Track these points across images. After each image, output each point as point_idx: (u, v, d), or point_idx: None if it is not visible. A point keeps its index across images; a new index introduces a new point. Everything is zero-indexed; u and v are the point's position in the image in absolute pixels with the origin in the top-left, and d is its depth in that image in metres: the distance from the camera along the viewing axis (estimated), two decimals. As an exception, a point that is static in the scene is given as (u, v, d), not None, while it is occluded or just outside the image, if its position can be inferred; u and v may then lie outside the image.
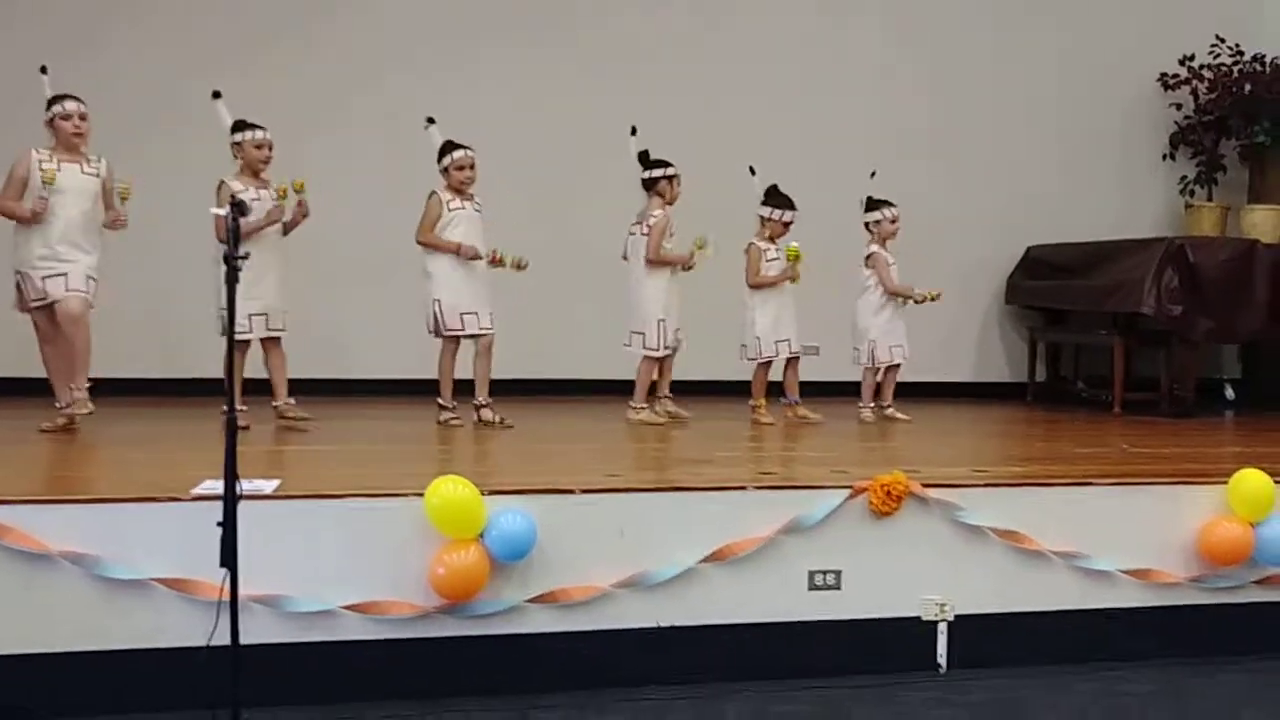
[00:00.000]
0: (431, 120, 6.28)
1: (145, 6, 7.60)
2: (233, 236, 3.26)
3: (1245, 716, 4.07)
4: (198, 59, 7.28)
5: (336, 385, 7.37)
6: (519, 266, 6.24)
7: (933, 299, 6.90)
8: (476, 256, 6.16)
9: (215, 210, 3.27)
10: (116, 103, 6.63)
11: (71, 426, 5.58)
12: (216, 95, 5.97)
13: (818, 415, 6.74)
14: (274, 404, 6.10)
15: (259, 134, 5.97)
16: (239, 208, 3.30)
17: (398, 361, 7.33)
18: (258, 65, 7.42)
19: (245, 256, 3.29)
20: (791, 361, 6.81)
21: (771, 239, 6.74)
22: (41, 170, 5.44)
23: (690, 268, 6.57)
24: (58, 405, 5.66)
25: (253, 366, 6.10)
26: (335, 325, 7.48)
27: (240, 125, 5.97)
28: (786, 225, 6.74)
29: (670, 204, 6.56)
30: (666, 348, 6.55)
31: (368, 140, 7.62)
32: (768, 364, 6.79)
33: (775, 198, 6.74)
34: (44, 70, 5.65)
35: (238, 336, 5.66)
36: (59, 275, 5.48)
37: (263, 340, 6.03)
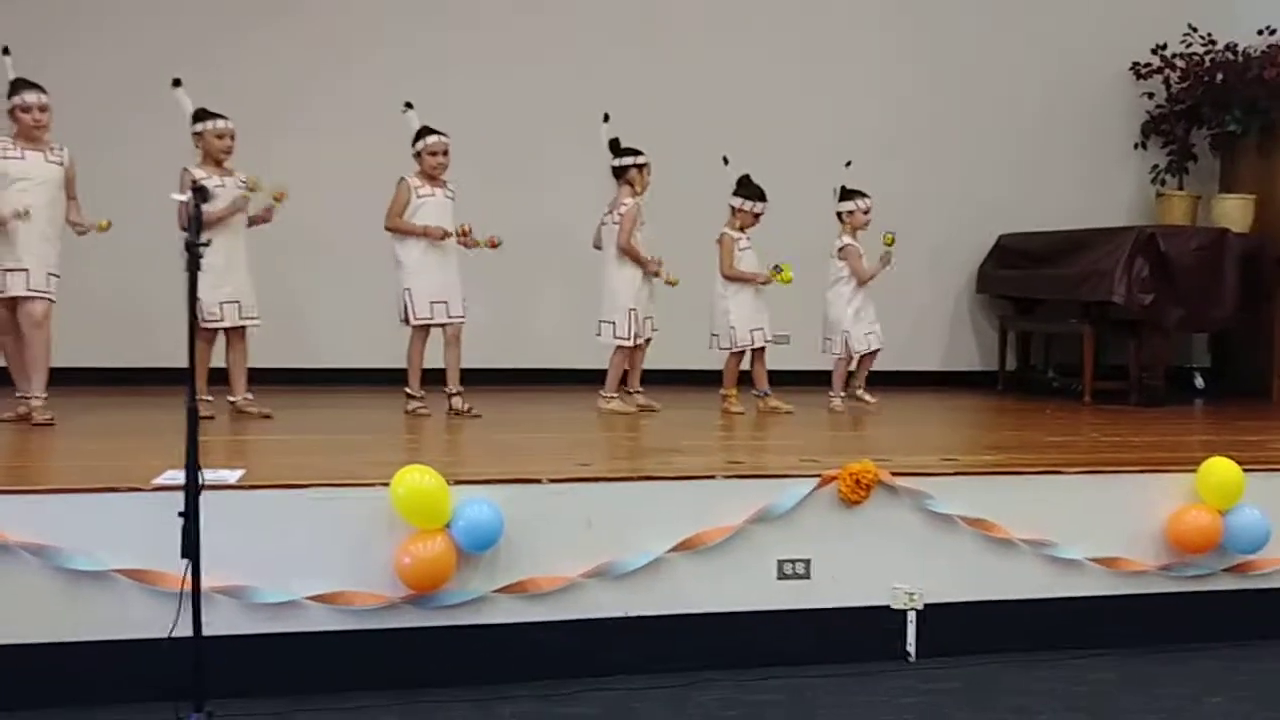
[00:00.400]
0: (409, 105, 6.21)
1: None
2: (194, 223, 3.21)
3: (1214, 704, 4.08)
4: (164, 47, 7.19)
5: (302, 374, 7.33)
6: (492, 245, 6.19)
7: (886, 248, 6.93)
8: (445, 235, 6.12)
9: (176, 196, 3.20)
10: (84, 90, 6.60)
11: (29, 417, 5.50)
12: (177, 83, 5.91)
13: (788, 406, 6.72)
14: (231, 399, 6.04)
15: (220, 123, 5.90)
16: (200, 193, 3.24)
17: (366, 350, 7.29)
18: (223, 53, 7.39)
19: (207, 244, 3.24)
20: (759, 352, 6.78)
21: (742, 228, 6.70)
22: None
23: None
24: (17, 395, 5.58)
25: (218, 356, 6.05)
26: (301, 313, 7.44)
27: (201, 114, 5.90)
28: (756, 216, 6.71)
29: (640, 193, 6.54)
30: (637, 337, 6.52)
31: (334, 126, 7.57)
32: (740, 354, 6.77)
33: (746, 188, 6.71)
34: (5, 51, 5.56)
35: (208, 324, 5.77)
36: (20, 270, 5.40)
37: (228, 331, 5.97)
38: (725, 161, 6.76)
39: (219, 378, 6.01)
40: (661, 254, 6.56)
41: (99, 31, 7.46)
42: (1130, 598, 4.66)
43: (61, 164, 5.55)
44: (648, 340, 6.64)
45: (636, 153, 6.53)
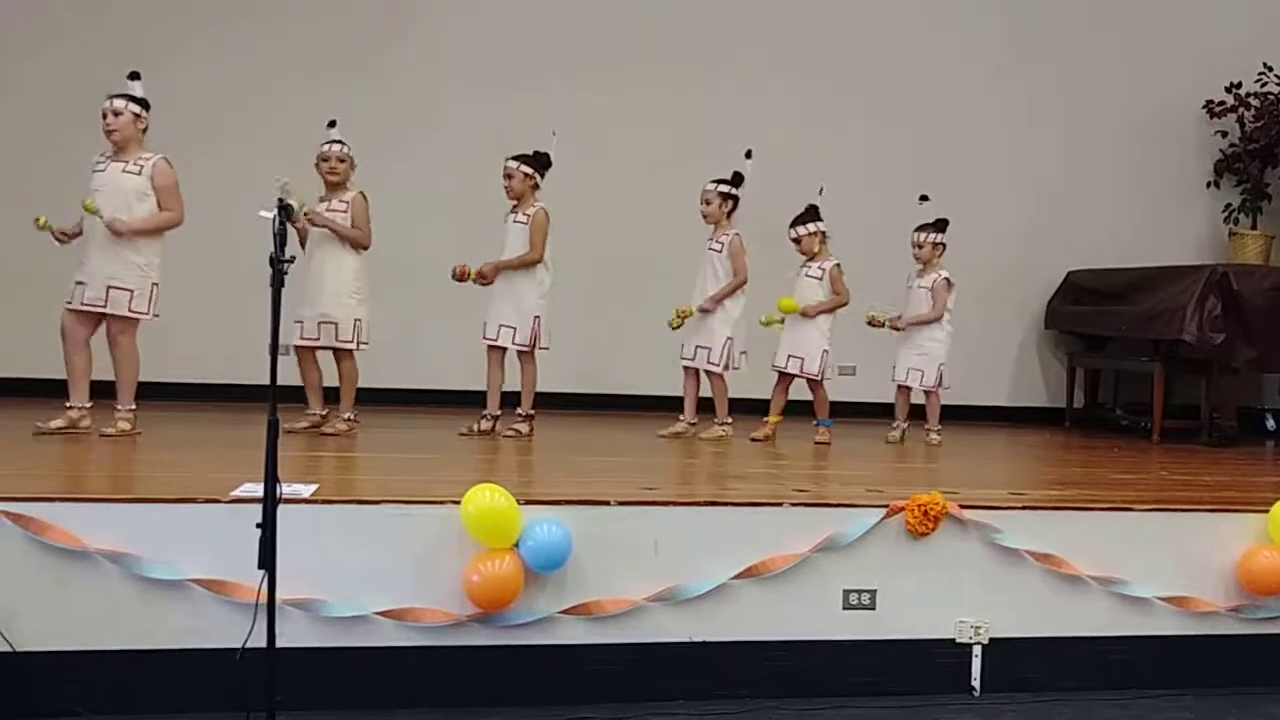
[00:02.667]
0: (333, 123, 6.18)
1: (222, 18, 7.74)
2: (278, 240, 3.29)
3: (1284, 749, 4.02)
4: (271, 74, 7.43)
5: (386, 394, 7.40)
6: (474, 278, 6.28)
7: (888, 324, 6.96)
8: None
9: (264, 213, 3.28)
10: (185, 109, 6.77)
11: (70, 430, 5.54)
12: (332, 124, 6.14)
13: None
14: (319, 412, 6.16)
15: (324, 147, 6.06)
16: (286, 211, 3.32)
17: (444, 372, 7.37)
18: (327, 78, 7.59)
19: (291, 260, 3.31)
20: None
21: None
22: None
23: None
24: (66, 405, 5.60)
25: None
26: (387, 335, 7.51)
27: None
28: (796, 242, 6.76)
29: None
30: (733, 367, 6.60)
31: (427, 156, 7.73)
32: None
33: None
34: (135, 76, 5.63)
35: (302, 342, 5.89)
36: (79, 284, 5.47)
37: (335, 350, 6.11)
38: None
39: (300, 396, 6.11)
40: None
41: (196, 54, 7.65)
42: (1200, 638, 4.59)
43: (139, 173, 5.52)
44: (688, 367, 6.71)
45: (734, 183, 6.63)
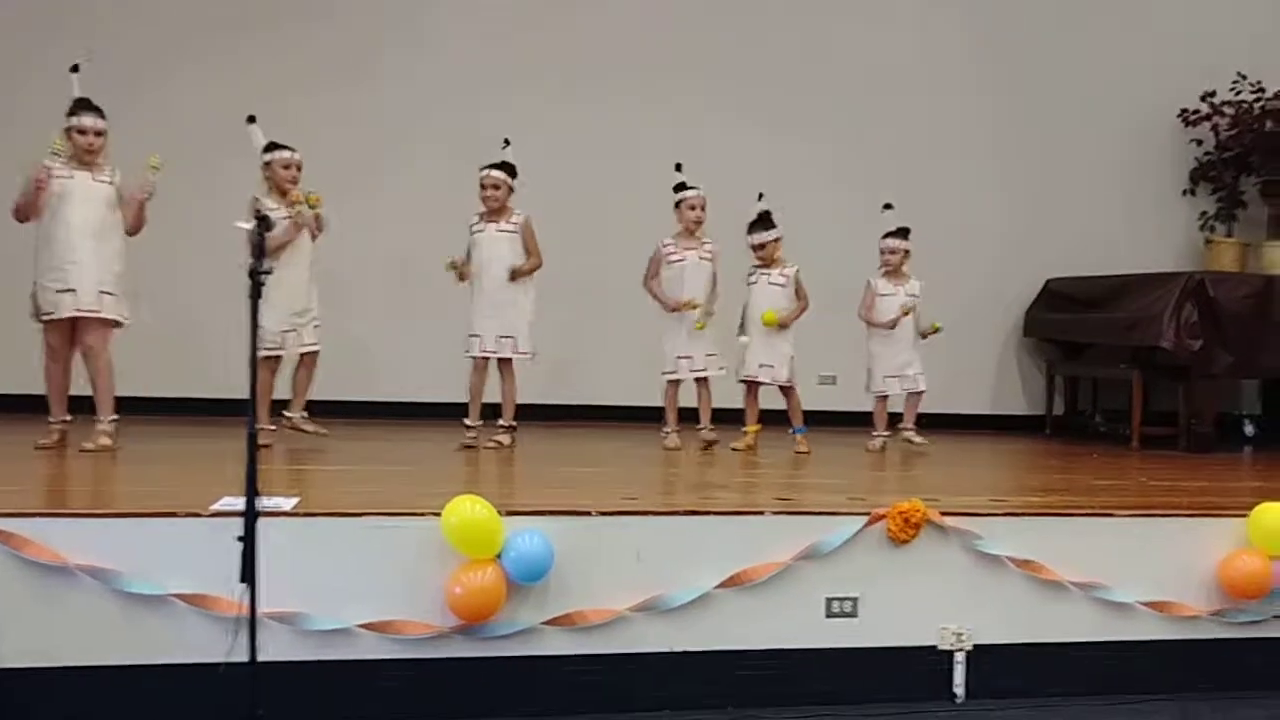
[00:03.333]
0: (252, 119, 6.13)
1: (200, 45, 7.69)
2: (257, 250, 3.29)
3: (1265, 751, 4.04)
4: (250, 86, 7.38)
5: (363, 407, 7.39)
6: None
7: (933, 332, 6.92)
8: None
9: (240, 224, 3.28)
10: (168, 123, 6.80)
11: (63, 443, 5.60)
12: (251, 120, 6.06)
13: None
14: (287, 414, 6.17)
15: (286, 154, 6.04)
16: (264, 222, 3.32)
17: (428, 384, 7.37)
18: (320, 93, 7.58)
19: (269, 271, 3.31)
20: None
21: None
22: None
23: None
24: (49, 421, 5.64)
25: (282, 386, 6.19)
26: (361, 346, 7.50)
27: (270, 146, 6.05)
28: (756, 248, 6.71)
29: (686, 230, 6.63)
30: (691, 372, 6.59)
31: (400, 164, 7.71)
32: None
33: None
34: (75, 69, 5.59)
35: (268, 351, 5.87)
36: (68, 291, 5.46)
37: (301, 354, 6.12)
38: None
39: (278, 408, 6.11)
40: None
41: (199, 66, 7.63)
42: (1181, 642, 4.63)
43: (111, 183, 5.56)
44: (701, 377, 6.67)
45: (679, 189, 6.61)
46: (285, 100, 7.06)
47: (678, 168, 6.67)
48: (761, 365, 6.67)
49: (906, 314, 6.85)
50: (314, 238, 6.15)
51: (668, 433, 6.67)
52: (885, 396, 7.04)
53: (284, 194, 6.06)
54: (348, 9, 7.96)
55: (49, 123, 5.61)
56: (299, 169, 6.08)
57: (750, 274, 6.73)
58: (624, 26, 8.26)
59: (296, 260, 6.04)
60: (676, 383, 6.68)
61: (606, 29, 8.23)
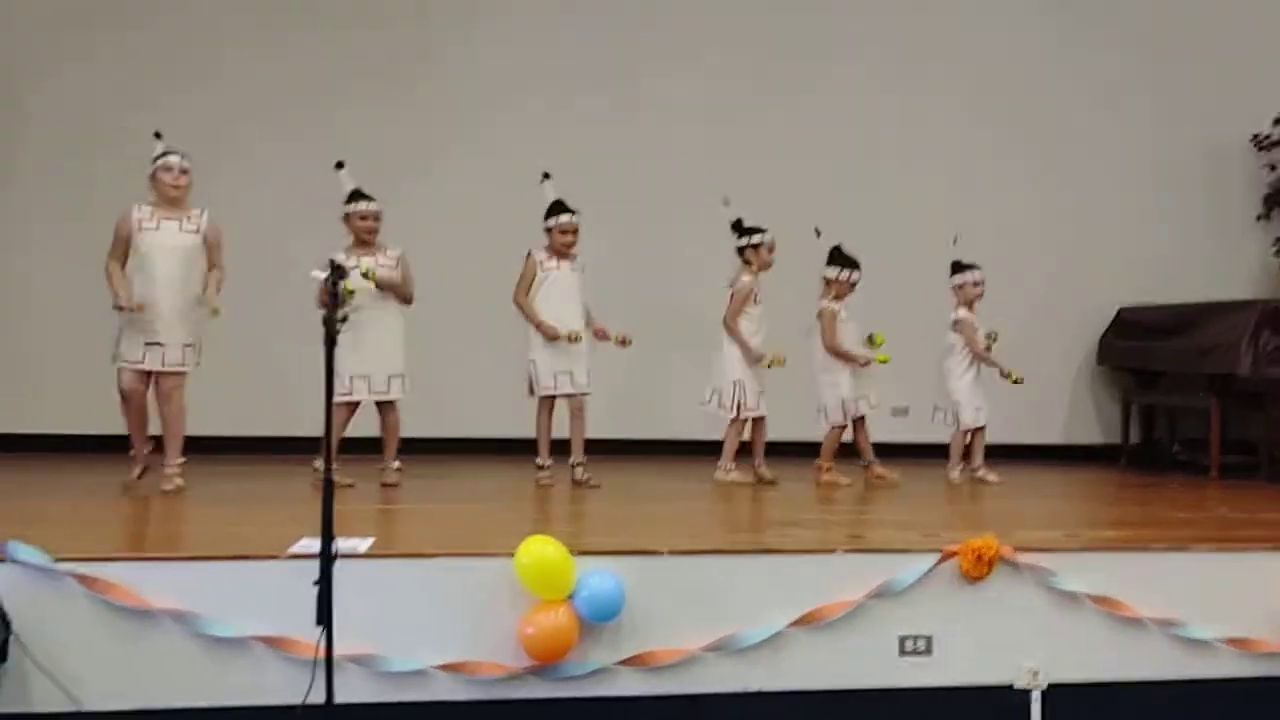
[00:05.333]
0: (340, 165, 6.25)
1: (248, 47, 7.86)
2: (332, 300, 3.35)
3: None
4: (303, 111, 7.63)
5: (437, 444, 7.43)
6: (622, 343, 6.37)
7: (1015, 381, 6.83)
8: (558, 336, 6.22)
9: (315, 274, 3.35)
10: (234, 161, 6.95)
11: (146, 472, 5.75)
12: (339, 166, 6.21)
13: (894, 474, 6.77)
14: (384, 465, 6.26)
15: (362, 205, 6.12)
16: (338, 271, 3.39)
17: (497, 420, 7.41)
18: (355, 120, 7.66)
19: (344, 320, 3.37)
20: (860, 421, 6.85)
21: (838, 298, 6.74)
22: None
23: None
24: (131, 454, 5.77)
25: (359, 426, 6.26)
26: (434, 384, 7.56)
27: (352, 196, 6.15)
28: (852, 286, 6.76)
29: (758, 271, 6.63)
30: (740, 409, 6.56)
31: (469, 200, 7.79)
32: (843, 428, 6.79)
33: (840, 258, 6.76)
34: (158, 135, 5.71)
35: (341, 398, 5.93)
36: (157, 345, 5.53)
37: (379, 403, 6.18)
38: (818, 234, 6.74)
39: (353, 447, 6.17)
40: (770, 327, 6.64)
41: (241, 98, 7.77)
42: (1264, 680, 4.51)
43: (197, 231, 5.61)
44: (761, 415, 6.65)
45: (753, 232, 6.61)
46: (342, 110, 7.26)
47: (725, 203, 6.65)
48: (859, 398, 6.70)
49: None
50: (406, 301, 6.20)
51: (728, 469, 6.67)
52: (965, 431, 7.00)
53: (364, 244, 6.14)
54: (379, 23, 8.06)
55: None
56: (377, 220, 6.16)
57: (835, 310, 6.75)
58: (678, 46, 8.30)
59: (377, 316, 6.08)
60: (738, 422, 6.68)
61: (660, 49, 8.28)
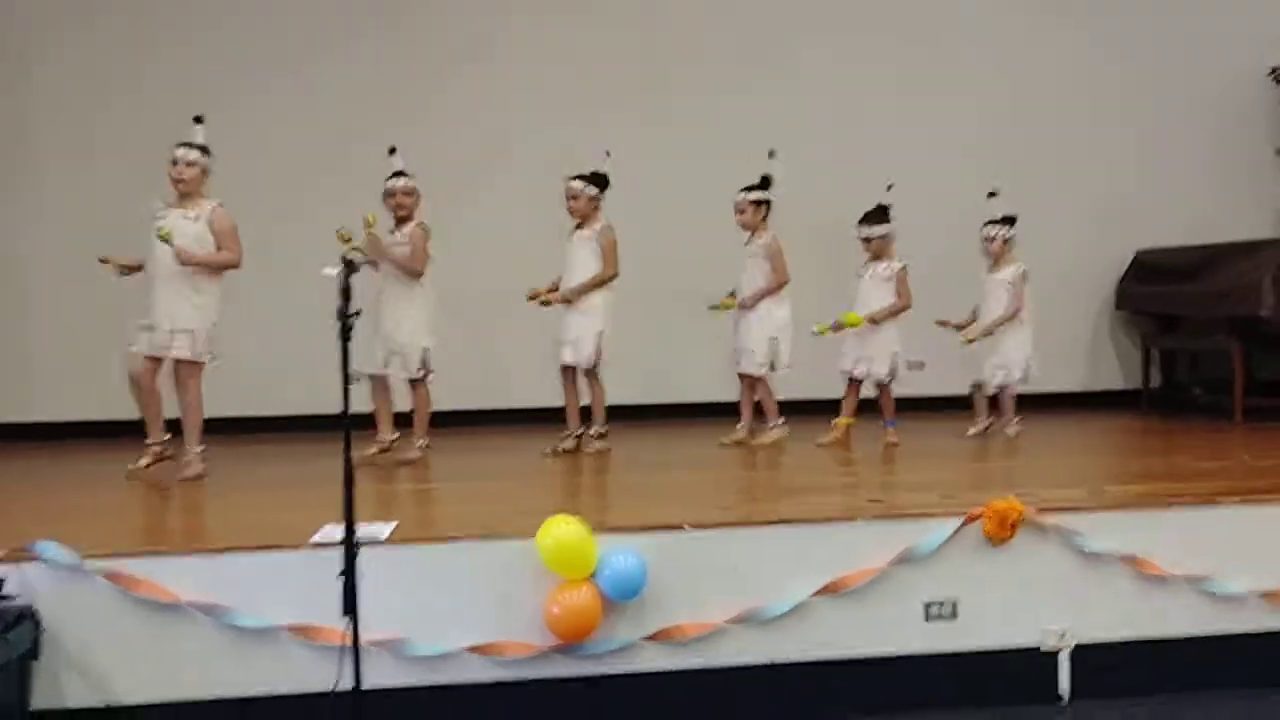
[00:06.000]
0: (393, 150, 6.29)
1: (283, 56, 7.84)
2: (344, 295, 3.33)
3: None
4: (346, 108, 7.64)
5: (456, 416, 7.45)
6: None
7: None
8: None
9: (328, 271, 3.32)
10: (250, 143, 6.96)
11: (159, 461, 5.72)
12: (393, 151, 6.26)
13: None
14: (390, 438, 6.28)
15: (388, 183, 6.20)
16: (350, 266, 3.36)
17: (518, 389, 7.53)
18: (392, 115, 7.59)
19: (358, 314, 3.35)
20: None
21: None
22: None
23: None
24: (147, 442, 5.74)
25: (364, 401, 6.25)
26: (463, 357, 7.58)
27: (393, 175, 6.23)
28: (865, 241, 6.75)
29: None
30: (783, 367, 6.61)
31: (497, 186, 7.81)
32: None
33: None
34: (199, 120, 5.68)
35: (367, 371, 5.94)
36: (146, 328, 5.54)
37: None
38: (889, 188, 6.76)
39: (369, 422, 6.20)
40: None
41: (275, 94, 7.77)
42: (1295, 632, 4.51)
43: (196, 220, 5.58)
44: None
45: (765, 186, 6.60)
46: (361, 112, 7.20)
47: (771, 154, 6.61)
48: (859, 359, 6.64)
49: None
50: (375, 267, 6.12)
51: (737, 428, 6.75)
52: (981, 385, 6.97)
53: (397, 222, 6.24)
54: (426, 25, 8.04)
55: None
56: (408, 195, 6.21)
57: (860, 267, 6.74)
58: (695, 39, 8.25)
59: (397, 288, 6.14)
60: (743, 377, 6.72)
61: (678, 42, 8.23)
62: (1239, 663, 4.45)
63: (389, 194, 6.21)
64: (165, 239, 5.46)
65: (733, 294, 6.67)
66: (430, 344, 6.19)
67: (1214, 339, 8.01)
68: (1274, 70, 8.76)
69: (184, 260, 5.48)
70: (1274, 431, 7.02)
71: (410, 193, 6.21)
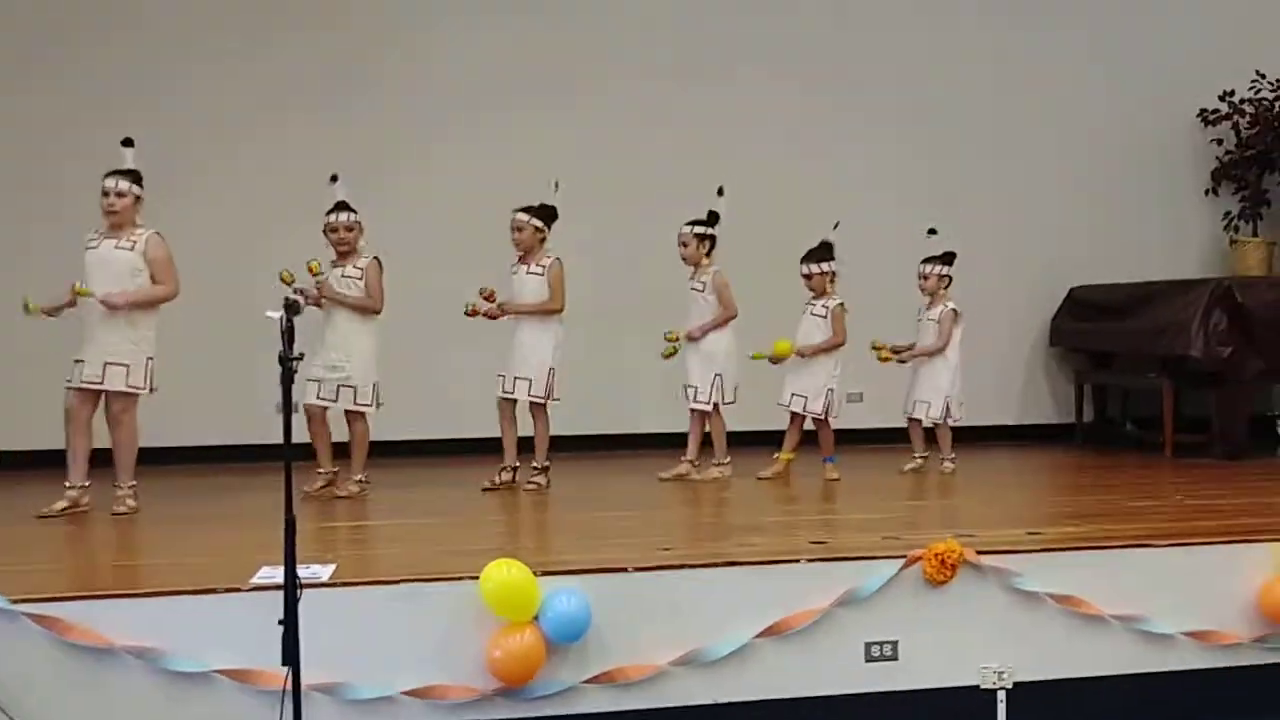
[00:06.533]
0: (335, 178, 6.23)
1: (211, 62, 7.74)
2: (286, 338, 3.30)
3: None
4: (247, 121, 7.52)
5: (392, 447, 7.41)
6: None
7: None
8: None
9: (270, 314, 3.30)
10: (172, 157, 6.85)
11: (73, 510, 5.53)
12: (334, 179, 6.19)
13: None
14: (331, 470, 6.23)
15: (330, 217, 6.12)
16: (292, 308, 3.34)
17: (458, 420, 7.51)
18: (307, 124, 7.61)
19: (300, 358, 3.33)
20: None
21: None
22: None
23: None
24: (65, 485, 5.58)
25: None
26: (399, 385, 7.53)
27: (333, 208, 6.14)
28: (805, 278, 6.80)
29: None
30: (726, 402, 6.64)
31: (433, 207, 7.78)
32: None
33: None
34: (127, 143, 5.61)
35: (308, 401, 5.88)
36: (78, 361, 5.45)
37: (347, 412, 6.15)
38: (836, 226, 6.81)
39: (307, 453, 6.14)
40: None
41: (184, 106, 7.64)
42: (1224, 671, 4.58)
43: (131, 249, 5.51)
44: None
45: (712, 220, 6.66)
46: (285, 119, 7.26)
47: (720, 192, 6.67)
48: (794, 395, 6.69)
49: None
50: (318, 304, 6.08)
51: (679, 460, 6.75)
52: (919, 420, 7.04)
53: (338, 255, 6.16)
54: (348, 24, 7.99)
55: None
56: (348, 231, 6.13)
57: (805, 303, 6.81)
58: (637, 50, 8.27)
59: (350, 327, 6.09)
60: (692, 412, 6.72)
61: (621, 53, 8.26)
62: (1171, 700, 4.52)
63: (330, 229, 6.11)
64: (83, 295, 5.42)
65: (669, 335, 6.64)
66: (379, 378, 6.14)
67: (1145, 376, 8.16)
68: (1202, 112, 8.96)
69: (113, 306, 5.41)
70: (1203, 468, 7.16)
71: (352, 228, 6.13)
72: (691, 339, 6.61)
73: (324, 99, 7.79)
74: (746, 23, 8.42)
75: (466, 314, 6.31)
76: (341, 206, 6.14)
